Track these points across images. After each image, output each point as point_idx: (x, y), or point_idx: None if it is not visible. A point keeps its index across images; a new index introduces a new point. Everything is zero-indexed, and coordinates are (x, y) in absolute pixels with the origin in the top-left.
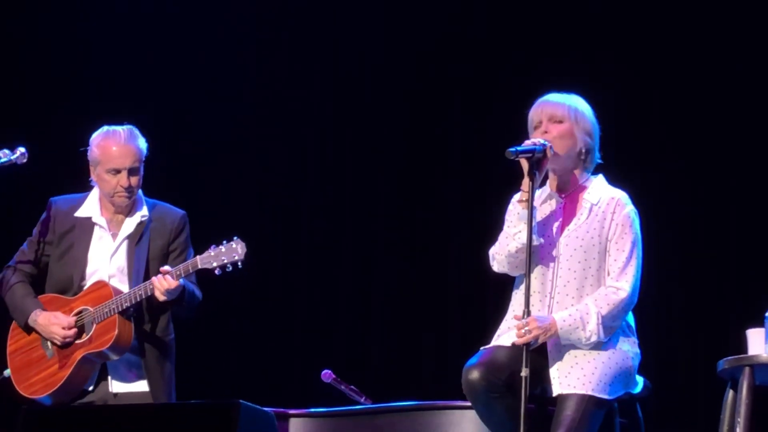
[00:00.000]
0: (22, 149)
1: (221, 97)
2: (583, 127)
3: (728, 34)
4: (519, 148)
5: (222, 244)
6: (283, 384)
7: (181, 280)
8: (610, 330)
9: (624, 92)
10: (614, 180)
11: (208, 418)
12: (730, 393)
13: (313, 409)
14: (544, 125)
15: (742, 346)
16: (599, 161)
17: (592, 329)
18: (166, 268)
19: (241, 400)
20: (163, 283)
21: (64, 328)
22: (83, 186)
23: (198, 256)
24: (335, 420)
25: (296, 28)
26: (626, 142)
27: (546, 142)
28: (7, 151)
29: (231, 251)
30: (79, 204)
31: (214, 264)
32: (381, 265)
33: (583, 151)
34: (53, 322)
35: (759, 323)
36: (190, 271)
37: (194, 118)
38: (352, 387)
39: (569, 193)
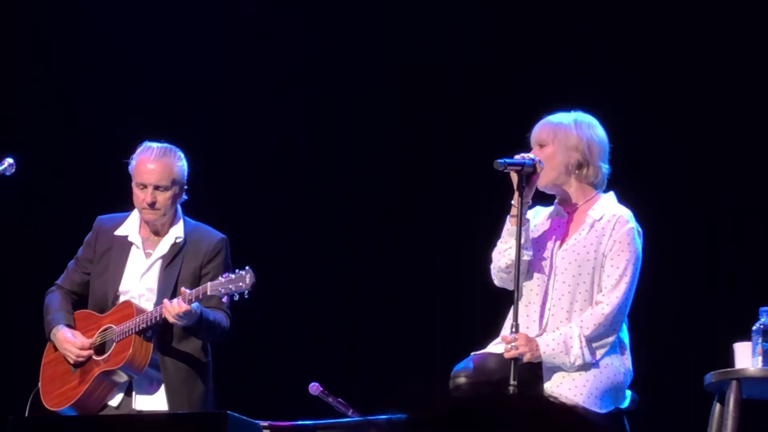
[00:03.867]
0: (10, 160)
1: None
2: (564, 143)
3: (737, 49)
4: (508, 161)
5: (234, 272)
6: (270, 396)
7: (194, 306)
8: (602, 347)
9: (617, 105)
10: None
11: (196, 428)
12: (717, 406)
13: (300, 422)
14: (533, 151)
15: (729, 359)
16: (607, 176)
17: (576, 353)
18: (182, 290)
19: (228, 411)
20: (175, 307)
21: (77, 348)
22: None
23: (209, 283)
24: None
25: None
26: (619, 154)
27: (535, 158)
28: None
29: (239, 280)
30: (120, 222)
31: (222, 291)
32: (369, 277)
33: (573, 165)
34: (69, 340)
35: (746, 337)
36: (200, 296)
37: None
38: (340, 400)
39: (575, 209)
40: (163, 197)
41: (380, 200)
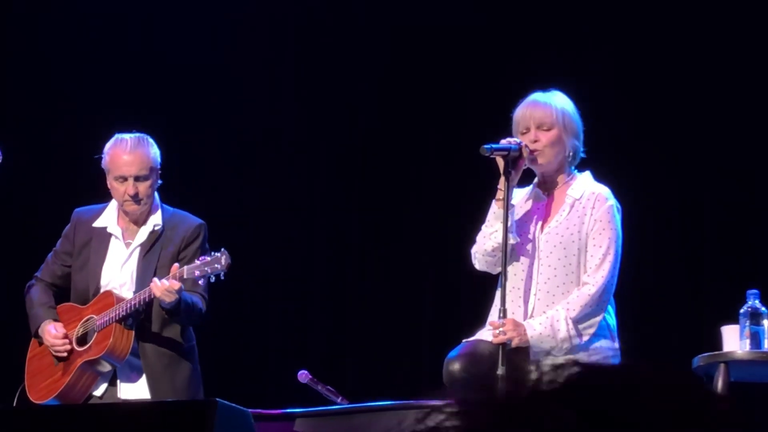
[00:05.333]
0: None
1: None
2: (571, 130)
3: (719, 35)
4: (494, 146)
5: (209, 254)
6: (259, 384)
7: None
8: (589, 328)
9: (596, 80)
10: (596, 174)
11: (184, 416)
12: None
13: (289, 410)
14: (533, 133)
15: (717, 342)
16: (583, 156)
17: (564, 336)
18: (174, 266)
19: (218, 399)
20: (165, 284)
21: (57, 338)
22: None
23: (186, 266)
24: (312, 420)
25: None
26: (604, 136)
27: (521, 142)
28: None
29: (215, 262)
30: (98, 214)
31: (197, 273)
32: (356, 264)
33: (571, 153)
34: (50, 332)
35: (734, 320)
36: (176, 279)
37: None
38: (329, 387)
39: (554, 190)
40: (144, 187)
41: (367, 186)
